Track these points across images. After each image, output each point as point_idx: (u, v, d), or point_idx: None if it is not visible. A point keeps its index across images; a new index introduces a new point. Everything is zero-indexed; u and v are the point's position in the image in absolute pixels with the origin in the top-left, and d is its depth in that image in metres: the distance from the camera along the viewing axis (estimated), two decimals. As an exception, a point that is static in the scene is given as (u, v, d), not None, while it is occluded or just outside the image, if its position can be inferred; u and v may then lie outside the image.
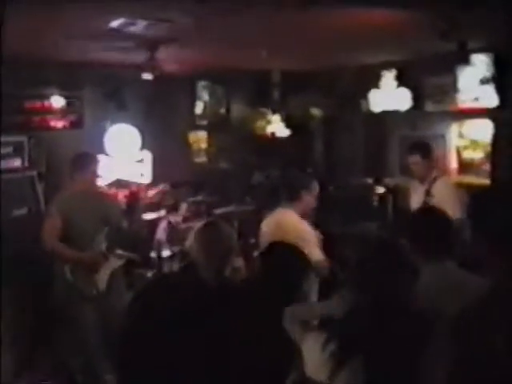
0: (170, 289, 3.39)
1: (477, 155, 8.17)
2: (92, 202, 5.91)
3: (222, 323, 3.03)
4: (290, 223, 5.03)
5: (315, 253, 4.76)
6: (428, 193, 6.18)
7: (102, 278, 5.74)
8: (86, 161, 6.04)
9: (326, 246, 5.13)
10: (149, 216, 8.15)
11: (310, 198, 5.20)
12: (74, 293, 5.59)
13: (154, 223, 8.19)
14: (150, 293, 3.52)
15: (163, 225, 8.01)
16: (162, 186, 7.06)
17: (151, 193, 6.75)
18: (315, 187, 5.27)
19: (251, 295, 3.23)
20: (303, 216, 5.15)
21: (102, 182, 9.41)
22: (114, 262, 5.89)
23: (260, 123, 11.42)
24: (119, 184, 9.55)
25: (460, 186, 7.29)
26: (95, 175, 6.12)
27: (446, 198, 5.95)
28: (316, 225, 5.30)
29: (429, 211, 3.84)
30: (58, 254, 5.66)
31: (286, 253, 3.44)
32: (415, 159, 6.31)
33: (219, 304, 3.15)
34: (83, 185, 5.92)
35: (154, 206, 8.56)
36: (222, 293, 3.34)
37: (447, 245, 3.24)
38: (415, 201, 6.36)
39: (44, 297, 5.84)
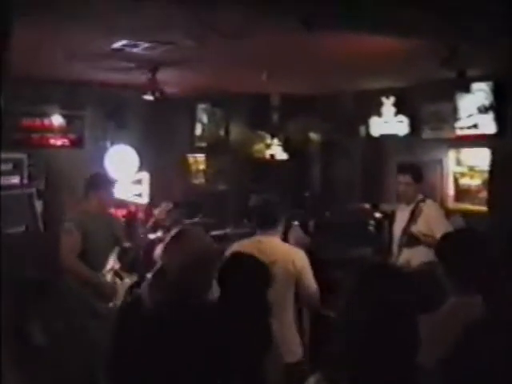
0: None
1: (474, 182, 8.19)
2: (105, 221, 5.94)
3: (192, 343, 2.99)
4: (286, 250, 4.74)
5: (311, 283, 4.63)
6: (413, 214, 6.15)
7: (119, 296, 5.76)
8: (103, 181, 6.10)
9: (321, 270, 5.02)
10: (151, 236, 8.13)
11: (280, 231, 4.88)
12: (85, 307, 5.57)
13: (153, 243, 8.19)
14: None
15: (161, 245, 7.99)
16: (165, 205, 7.04)
17: (157, 211, 6.74)
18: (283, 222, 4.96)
19: (216, 311, 3.18)
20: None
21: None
22: (127, 281, 5.91)
23: (258, 146, 11.45)
24: (117, 203, 9.56)
25: (457, 212, 7.33)
26: (110, 196, 6.14)
27: (436, 221, 5.97)
28: (312, 249, 5.25)
29: (471, 234, 3.50)
30: (77, 273, 5.61)
31: (245, 264, 3.38)
32: (406, 180, 6.26)
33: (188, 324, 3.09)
34: (98, 204, 5.93)
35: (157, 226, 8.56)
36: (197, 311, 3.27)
37: (484, 278, 3.02)
38: (399, 223, 6.36)
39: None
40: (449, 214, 6.36)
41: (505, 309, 2.88)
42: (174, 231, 3.51)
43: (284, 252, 4.64)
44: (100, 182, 6.04)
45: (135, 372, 3.00)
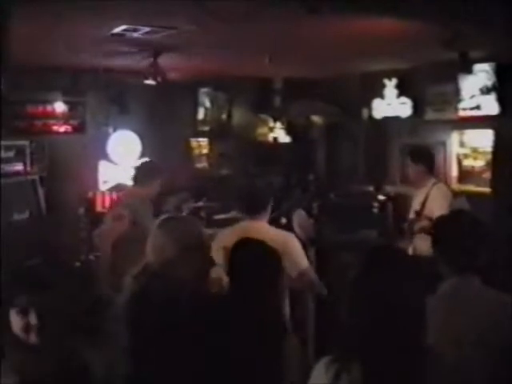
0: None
1: (477, 163, 8.18)
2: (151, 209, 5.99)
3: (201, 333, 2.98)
4: (272, 234, 4.50)
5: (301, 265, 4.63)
6: (426, 199, 6.18)
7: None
8: (159, 170, 6.15)
9: (325, 253, 5.02)
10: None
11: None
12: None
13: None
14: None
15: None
16: (181, 195, 7.03)
17: (173, 200, 6.74)
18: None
19: (226, 300, 3.17)
20: None
21: (103, 187, 9.47)
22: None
23: (261, 130, 11.45)
24: (120, 188, 9.57)
25: (460, 193, 7.31)
26: (162, 184, 6.18)
27: (436, 204, 5.98)
28: (316, 232, 5.23)
29: (464, 216, 3.39)
30: (102, 260, 5.69)
31: (256, 249, 3.31)
32: (418, 168, 6.25)
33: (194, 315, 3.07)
34: (153, 192, 6.01)
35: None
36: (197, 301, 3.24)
37: (478, 257, 2.98)
38: (413, 208, 6.36)
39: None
40: (452, 195, 6.34)
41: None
42: (159, 219, 3.44)
43: (272, 237, 4.28)
44: (157, 172, 6.11)
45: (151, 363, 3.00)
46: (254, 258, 3.24)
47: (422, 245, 5.87)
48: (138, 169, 6.18)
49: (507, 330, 2.77)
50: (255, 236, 4.04)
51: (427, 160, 6.35)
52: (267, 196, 4.73)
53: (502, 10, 5.04)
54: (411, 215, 6.34)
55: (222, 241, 4.25)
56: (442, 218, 3.46)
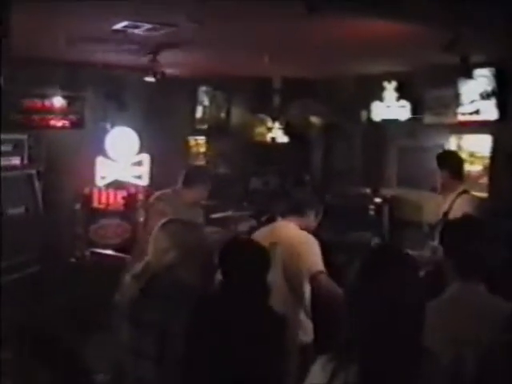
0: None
1: (475, 168, 8.18)
2: (194, 214, 5.98)
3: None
4: (290, 233, 4.80)
5: (318, 263, 4.66)
6: (450, 209, 5.92)
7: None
8: (206, 179, 6.22)
9: (322, 254, 5.02)
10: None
11: (312, 219, 4.94)
12: None
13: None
14: None
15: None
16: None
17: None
18: (320, 212, 5.02)
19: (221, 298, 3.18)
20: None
21: (100, 183, 9.46)
22: None
23: (259, 129, 11.45)
24: (117, 185, 9.57)
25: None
26: (206, 192, 6.22)
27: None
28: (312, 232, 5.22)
29: (473, 221, 3.46)
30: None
31: (242, 248, 3.37)
32: (444, 175, 6.08)
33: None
34: (196, 197, 6.08)
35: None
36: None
37: (484, 263, 3.02)
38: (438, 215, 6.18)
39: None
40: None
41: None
42: (160, 223, 3.46)
43: (288, 234, 4.72)
44: (205, 179, 6.17)
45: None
46: (239, 256, 3.27)
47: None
48: (189, 171, 6.19)
49: (506, 338, 2.78)
50: (277, 234, 4.59)
51: (453, 165, 6.18)
52: (307, 204, 4.94)
53: (502, 14, 5.04)
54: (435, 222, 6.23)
55: (258, 237, 4.49)
56: (450, 223, 3.47)
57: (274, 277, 4.45)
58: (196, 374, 3.00)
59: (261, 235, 4.70)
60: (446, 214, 5.99)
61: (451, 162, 6.26)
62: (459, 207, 5.86)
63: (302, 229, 4.81)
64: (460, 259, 3.00)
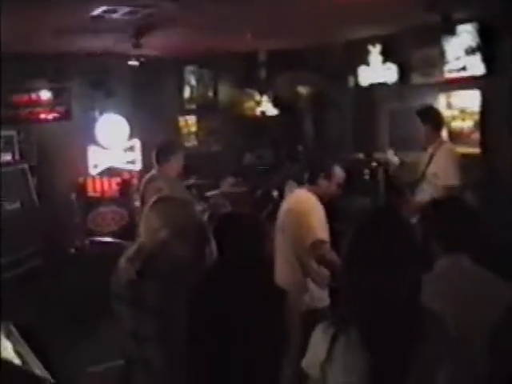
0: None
1: (466, 124, 8.17)
2: (181, 183, 6.59)
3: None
4: (294, 203, 5.00)
5: (318, 233, 4.70)
6: (431, 158, 6.32)
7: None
8: (176, 148, 6.50)
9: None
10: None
11: (327, 184, 4.96)
12: None
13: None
14: None
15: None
16: (230, 180, 7.06)
17: (224, 186, 6.79)
18: (336, 174, 5.00)
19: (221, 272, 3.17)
20: (322, 200, 4.95)
21: (94, 172, 9.46)
22: None
23: (248, 104, 11.42)
24: (111, 172, 9.57)
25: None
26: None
27: (445, 165, 6.07)
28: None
29: (454, 200, 3.58)
30: None
31: (237, 222, 3.33)
32: (426, 128, 6.41)
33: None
34: (177, 167, 6.31)
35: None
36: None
37: (469, 237, 3.08)
38: (421, 166, 6.49)
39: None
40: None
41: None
42: (151, 200, 3.45)
43: (295, 203, 4.97)
44: (176, 148, 6.41)
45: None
46: (234, 230, 3.25)
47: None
48: (158, 148, 6.30)
49: (494, 309, 2.82)
50: (289, 202, 5.00)
51: (434, 119, 6.50)
52: (317, 172, 5.01)
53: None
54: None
55: (284, 203, 5.13)
56: (433, 203, 3.56)
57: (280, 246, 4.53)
58: (198, 354, 3.01)
59: (283, 203, 5.11)
60: (427, 164, 6.22)
61: (432, 116, 6.56)
62: (440, 157, 6.25)
63: (319, 196, 4.90)
64: (446, 236, 3.07)
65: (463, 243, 3.05)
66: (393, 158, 7.44)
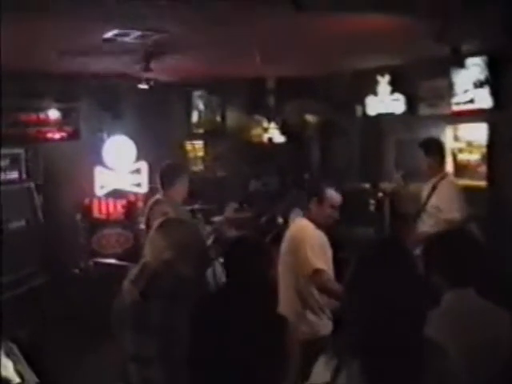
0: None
1: (473, 157, 8.17)
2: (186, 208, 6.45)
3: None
4: (292, 232, 4.99)
5: (313, 263, 4.65)
6: (432, 190, 6.34)
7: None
8: (181, 171, 6.38)
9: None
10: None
11: (320, 208, 4.88)
12: None
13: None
14: None
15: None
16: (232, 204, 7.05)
17: (227, 212, 6.78)
18: (328, 196, 4.91)
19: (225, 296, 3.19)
20: (321, 225, 4.90)
21: (100, 193, 9.46)
22: None
23: (256, 131, 11.45)
24: (116, 194, 9.57)
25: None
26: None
27: (445, 198, 6.07)
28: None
29: (459, 233, 3.57)
30: None
31: (245, 246, 3.36)
32: (428, 161, 6.46)
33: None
34: (182, 192, 6.18)
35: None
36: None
37: (475, 270, 3.06)
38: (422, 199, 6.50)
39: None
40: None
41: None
42: (157, 222, 3.46)
43: (292, 232, 4.97)
44: (181, 171, 6.30)
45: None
46: (242, 253, 3.27)
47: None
48: (162, 172, 6.21)
49: (502, 342, 2.80)
50: (291, 228, 5.02)
51: (437, 152, 6.53)
52: (309, 197, 5.03)
53: (492, 1, 5.05)
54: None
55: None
56: (438, 234, 3.53)
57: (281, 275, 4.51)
58: (199, 373, 3.00)
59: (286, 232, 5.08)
60: (429, 196, 6.23)
61: (435, 148, 6.59)
62: (442, 191, 6.29)
63: (317, 222, 4.88)
64: (450, 268, 3.04)
65: (468, 276, 3.03)
66: (399, 179, 7.39)
